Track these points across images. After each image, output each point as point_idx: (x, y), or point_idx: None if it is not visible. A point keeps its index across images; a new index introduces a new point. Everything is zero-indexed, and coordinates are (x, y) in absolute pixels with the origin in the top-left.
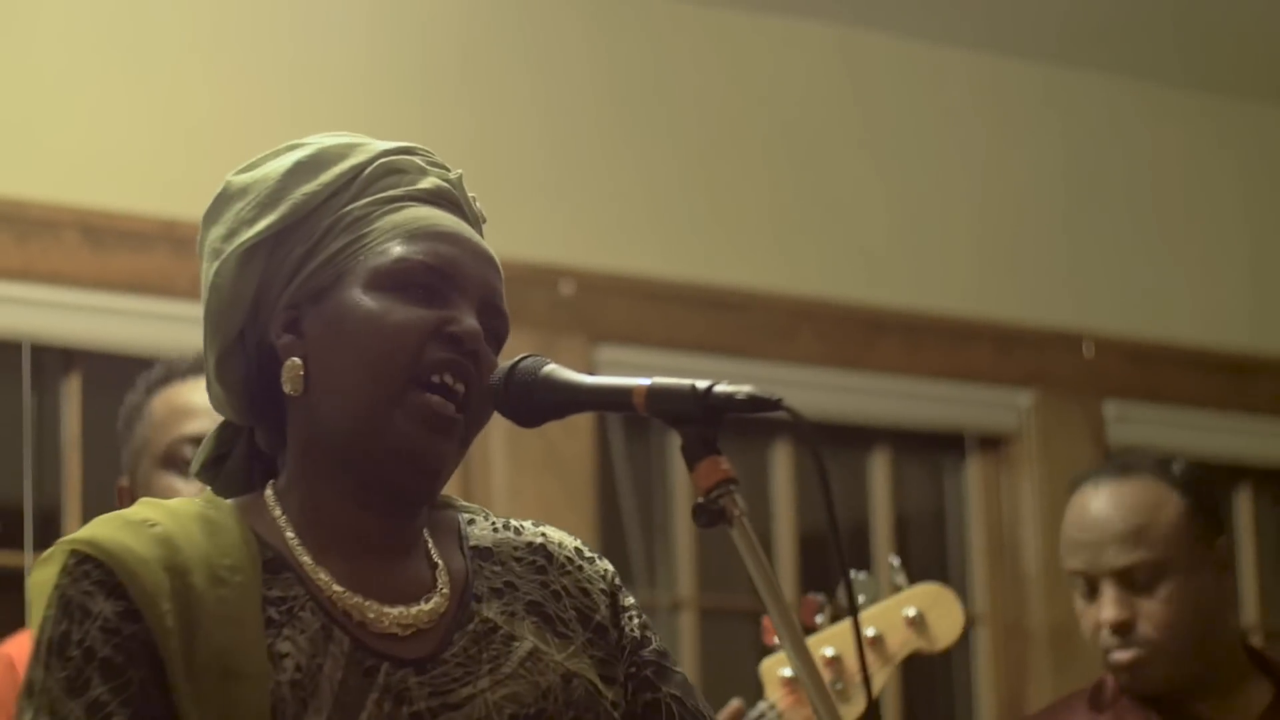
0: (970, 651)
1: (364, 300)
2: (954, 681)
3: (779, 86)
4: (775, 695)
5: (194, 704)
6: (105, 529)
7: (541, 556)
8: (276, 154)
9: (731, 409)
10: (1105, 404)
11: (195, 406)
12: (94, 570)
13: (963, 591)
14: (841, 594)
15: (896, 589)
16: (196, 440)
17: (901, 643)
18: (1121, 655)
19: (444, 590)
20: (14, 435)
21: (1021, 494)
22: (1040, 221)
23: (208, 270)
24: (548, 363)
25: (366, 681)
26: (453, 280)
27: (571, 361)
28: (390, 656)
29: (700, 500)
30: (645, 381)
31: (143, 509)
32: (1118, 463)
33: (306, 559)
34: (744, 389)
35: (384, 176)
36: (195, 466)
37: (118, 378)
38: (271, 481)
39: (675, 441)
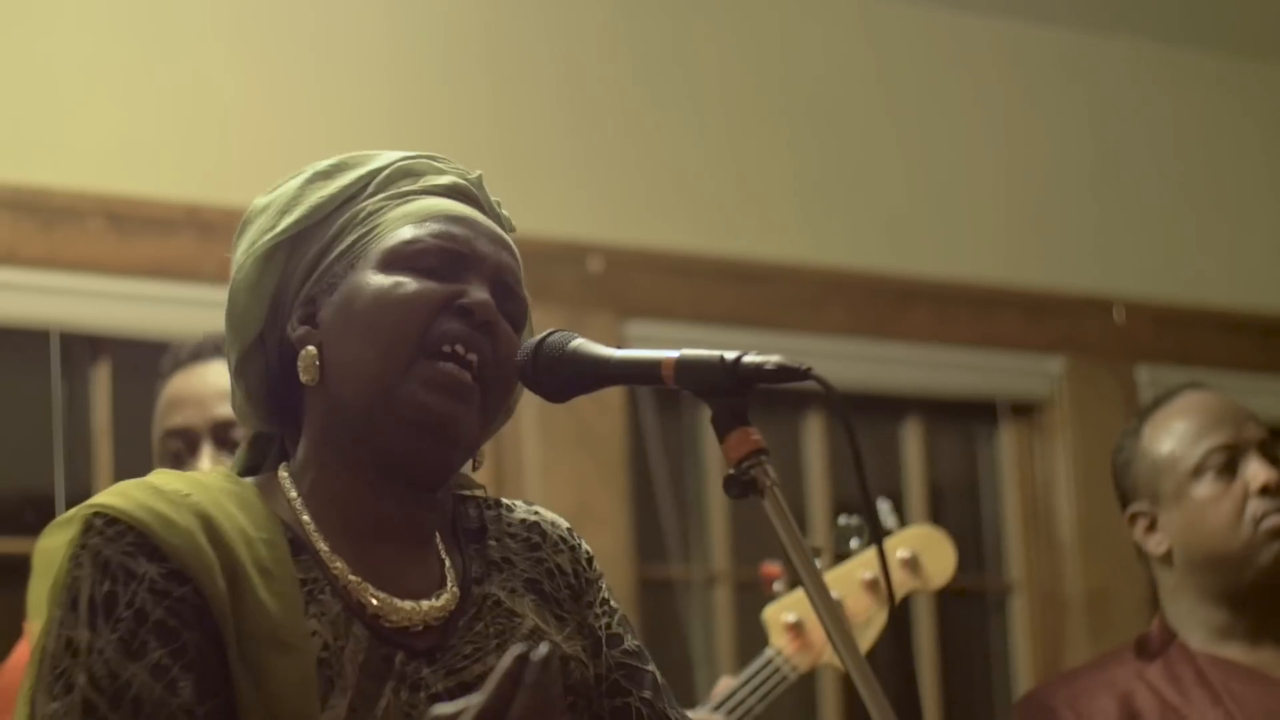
0: (1006, 619)
1: (373, 279)
2: (990, 649)
3: (802, 58)
4: (780, 641)
5: (245, 673)
6: (135, 495)
7: (536, 534)
8: (297, 173)
9: (760, 379)
10: (1137, 368)
11: (184, 398)
12: (128, 532)
13: (998, 559)
14: (836, 539)
15: (888, 532)
16: (178, 433)
17: (897, 583)
18: (1278, 519)
19: (453, 589)
20: (44, 423)
21: (1055, 460)
22: (1067, 187)
23: (232, 277)
24: (575, 337)
25: (384, 668)
26: (465, 259)
27: (600, 337)
28: (404, 646)
29: (731, 471)
30: (674, 354)
31: (169, 479)
32: (1190, 384)
33: (323, 545)
34: (772, 359)
35: (400, 178)
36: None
37: (146, 364)
38: (284, 463)
39: (707, 415)
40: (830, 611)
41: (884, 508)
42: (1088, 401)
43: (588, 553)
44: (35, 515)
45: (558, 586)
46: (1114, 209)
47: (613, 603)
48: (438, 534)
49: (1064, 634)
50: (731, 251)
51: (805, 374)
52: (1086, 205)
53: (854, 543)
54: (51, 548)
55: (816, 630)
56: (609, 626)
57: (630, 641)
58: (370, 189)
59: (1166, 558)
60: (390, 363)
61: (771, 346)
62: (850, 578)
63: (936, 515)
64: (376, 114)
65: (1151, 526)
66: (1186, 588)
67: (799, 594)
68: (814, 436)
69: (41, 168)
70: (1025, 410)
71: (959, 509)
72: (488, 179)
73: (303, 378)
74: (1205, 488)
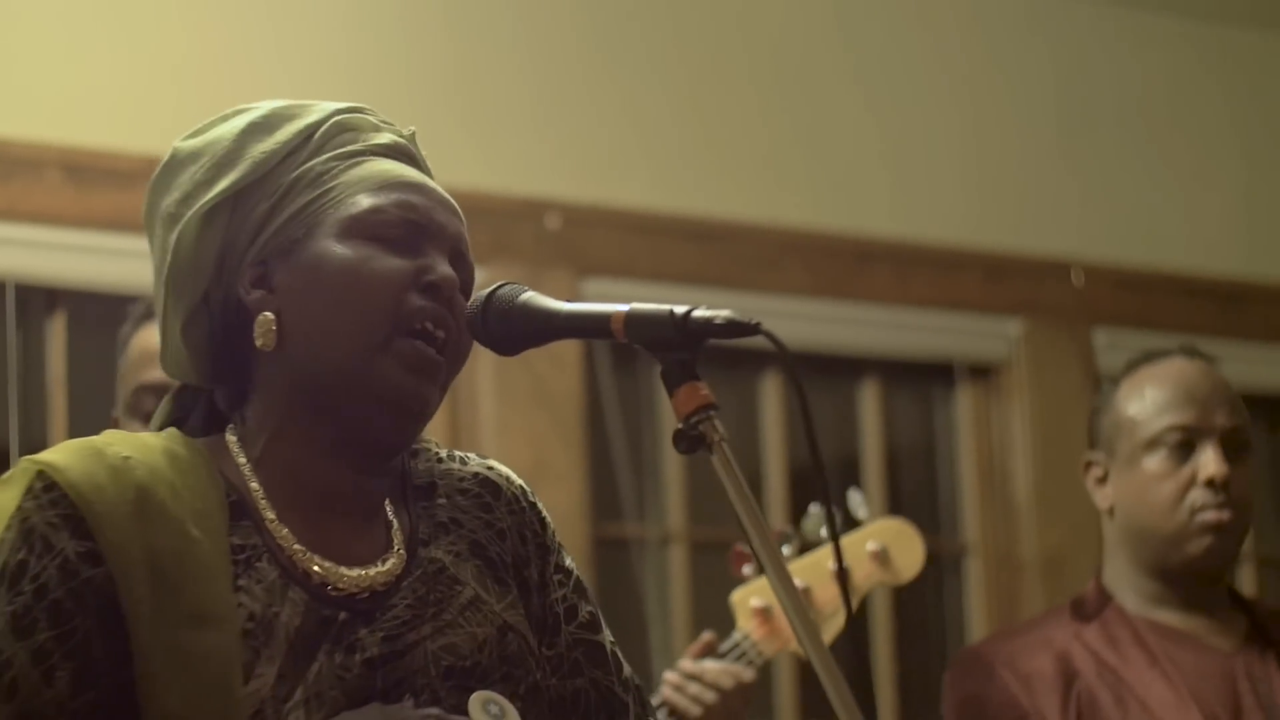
0: (962, 581)
1: (339, 249)
2: (945, 611)
3: (764, 15)
4: (748, 626)
5: (160, 652)
6: (78, 460)
7: (488, 492)
8: (224, 119)
9: (710, 334)
10: (1095, 332)
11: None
12: (61, 499)
13: (953, 521)
14: (806, 527)
15: (859, 523)
16: (155, 389)
17: (865, 576)
18: (1217, 515)
19: (400, 552)
20: None
21: (1012, 423)
22: (1029, 150)
23: (165, 236)
24: (525, 290)
25: (321, 630)
26: (425, 230)
27: (558, 295)
28: (347, 608)
29: (680, 426)
30: (623, 307)
31: (117, 442)
32: (1184, 348)
33: (270, 514)
34: (722, 313)
35: (339, 134)
36: (155, 428)
37: (102, 316)
38: (231, 425)
39: (648, 368)
40: (779, 569)
41: (856, 498)
42: (1045, 364)
43: (543, 517)
44: None
45: (504, 550)
46: (1075, 172)
47: (568, 564)
48: (387, 500)
49: (1019, 596)
50: (691, 210)
51: (755, 329)
52: (1048, 168)
53: (823, 532)
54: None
55: (784, 616)
56: (565, 599)
57: (584, 611)
58: (311, 145)
59: (1110, 513)
60: (362, 338)
61: (730, 305)
62: (818, 567)
63: (893, 476)
64: (334, 65)
65: (1103, 480)
66: (1121, 550)
67: (762, 583)
68: (771, 397)
69: None
70: (983, 372)
71: (915, 470)
72: (445, 133)
73: (259, 343)
74: (1155, 462)
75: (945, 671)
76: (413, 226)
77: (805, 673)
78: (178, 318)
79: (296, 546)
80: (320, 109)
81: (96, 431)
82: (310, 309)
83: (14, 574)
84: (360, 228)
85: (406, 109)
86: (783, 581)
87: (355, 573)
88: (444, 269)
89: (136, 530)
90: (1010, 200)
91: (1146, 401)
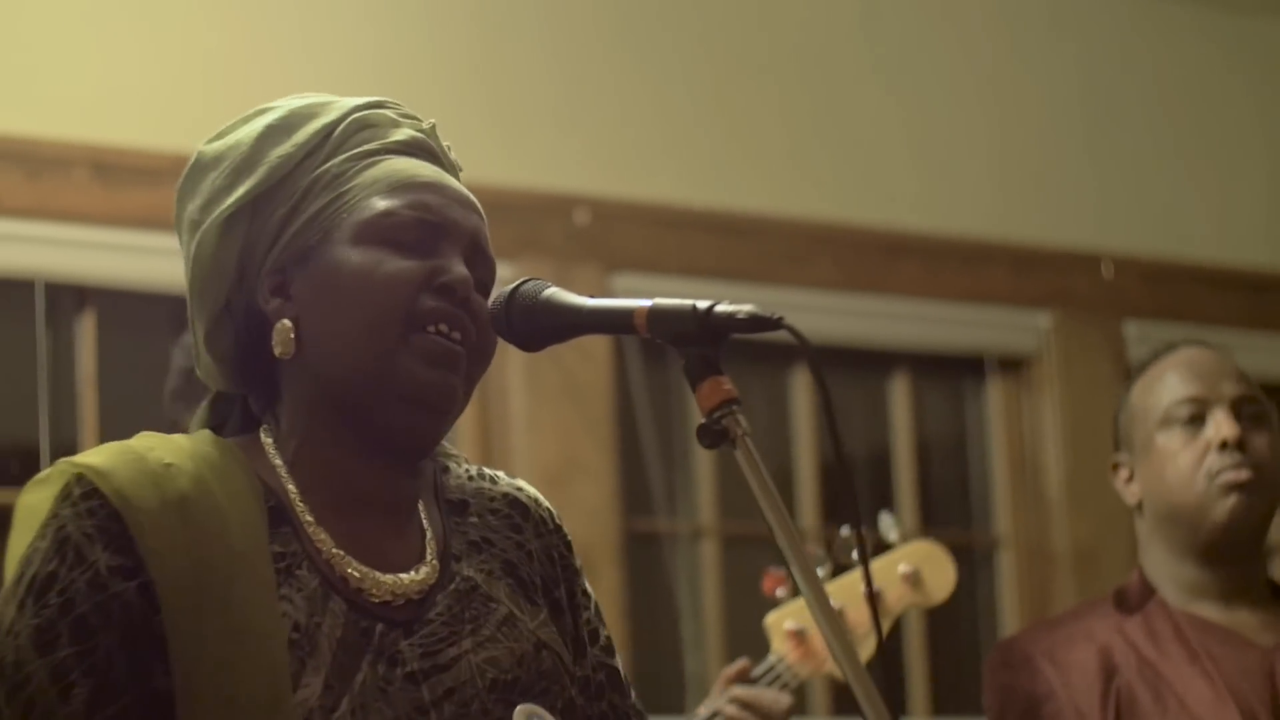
0: (994, 574)
1: (352, 255)
2: (978, 604)
3: (791, 9)
4: (783, 649)
5: (205, 666)
6: (121, 465)
7: (518, 513)
8: (245, 120)
9: (733, 328)
10: (1125, 324)
11: None
12: (100, 509)
13: (985, 514)
14: (838, 549)
15: (890, 546)
16: None
17: (898, 598)
18: (1236, 474)
19: (433, 562)
20: (29, 374)
21: (1043, 415)
22: (1057, 142)
23: (189, 243)
24: (549, 286)
25: (362, 641)
26: (440, 229)
27: (587, 290)
28: (384, 618)
29: (703, 421)
30: (646, 302)
31: (157, 446)
32: (1191, 340)
33: (308, 517)
34: (745, 308)
35: (358, 132)
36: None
37: (132, 315)
38: (265, 427)
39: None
40: (800, 559)
41: (887, 520)
42: (1076, 356)
43: (568, 540)
44: (20, 467)
45: (533, 572)
46: (1104, 164)
47: (589, 588)
48: (420, 503)
49: (1052, 589)
50: (719, 204)
51: (777, 323)
52: (1076, 160)
53: (855, 554)
54: (31, 504)
55: (819, 638)
56: (589, 622)
57: (604, 635)
58: (329, 145)
59: (1140, 508)
60: (378, 340)
61: (759, 300)
62: (853, 589)
63: (924, 470)
64: (361, 62)
65: (1130, 478)
66: (1156, 540)
67: (802, 602)
68: (802, 393)
69: (27, 117)
70: (1013, 365)
71: (946, 464)
72: (473, 129)
73: (277, 351)
74: (1169, 439)
75: (984, 661)
76: (427, 227)
77: (840, 695)
78: (202, 325)
79: (335, 550)
80: (340, 106)
81: (127, 429)
82: (325, 316)
83: (43, 585)
84: (373, 232)
85: (434, 105)
86: (805, 571)
87: (390, 579)
88: (458, 269)
89: (181, 540)
90: (1039, 193)
91: (1155, 388)
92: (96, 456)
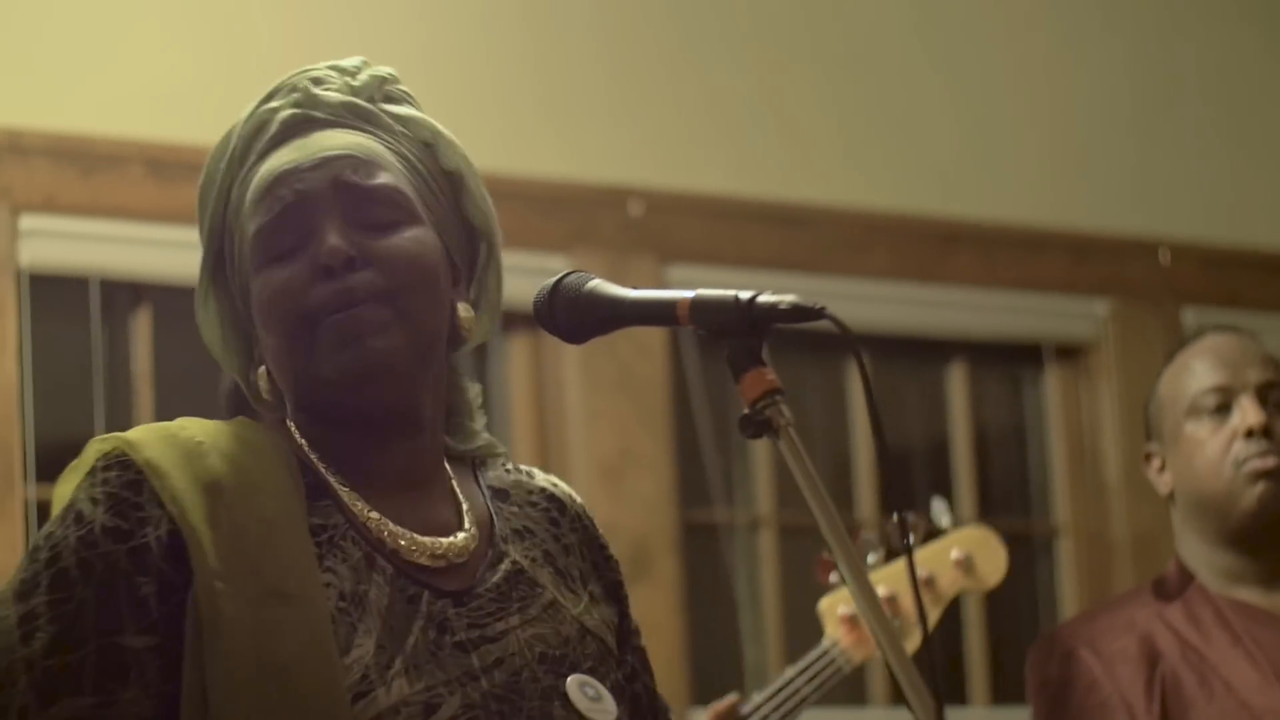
0: (1053, 563)
1: (257, 287)
2: (1038, 594)
3: None
4: (836, 633)
5: (238, 627)
6: (152, 438)
7: (555, 507)
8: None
9: (775, 318)
10: (1183, 310)
11: None
12: (116, 479)
13: (1044, 503)
14: (890, 534)
15: (942, 531)
16: None
17: (950, 583)
18: (1263, 462)
19: (471, 529)
20: (85, 370)
21: (1101, 403)
22: (1112, 128)
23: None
24: (591, 278)
25: (411, 608)
26: (302, 214)
27: (642, 281)
28: (430, 586)
29: (746, 411)
30: (689, 294)
31: (190, 426)
32: (1217, 326)
33: (344, 487)
34: (787, 298)
35: (249, 144)
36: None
37: (187, 310)
38: (289, 415)
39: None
40: (846, 551)
41: (939, 507)
42: (1133, 344)
43: (603, 537)
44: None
45: (571, 564)
46: (1160, 150)
47: (622, 579)
48: (453, 480)
49: (1111, 577)
50: (774, 194)
51: (819, 313)
52: (1132, 147)
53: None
54: (63, 493)
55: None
56: (623, 614)
57: (633, 622)
58: (232, 175)
59: (1172, 497)
60: (297, 352)
61: (815, 290)
62: (903, 575)
63: (982, 459)
64: (414, 58)
65: (1161, 467)
66: (1190, 528)
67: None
68: (859, 382)
69: (81, 115)
70: (1071, 353)
71: (1005, 453)
72: (527, 122)
73: (262, 395)
74: (1197, 428)
75: (1028, 656)
76: (291, 222)
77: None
78: (241, 380)
79: (372, 514)
80: (234, 127)
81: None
82: (267, 351)
83: (38, 545)
84: (259, 255)
85: (488, 98)
86: (850, 563)
87: (429, 540)
88: (326, 245)
89: (209, 511)
90: (1095, 180)
91: (1182, 377)
92: (131, 432)
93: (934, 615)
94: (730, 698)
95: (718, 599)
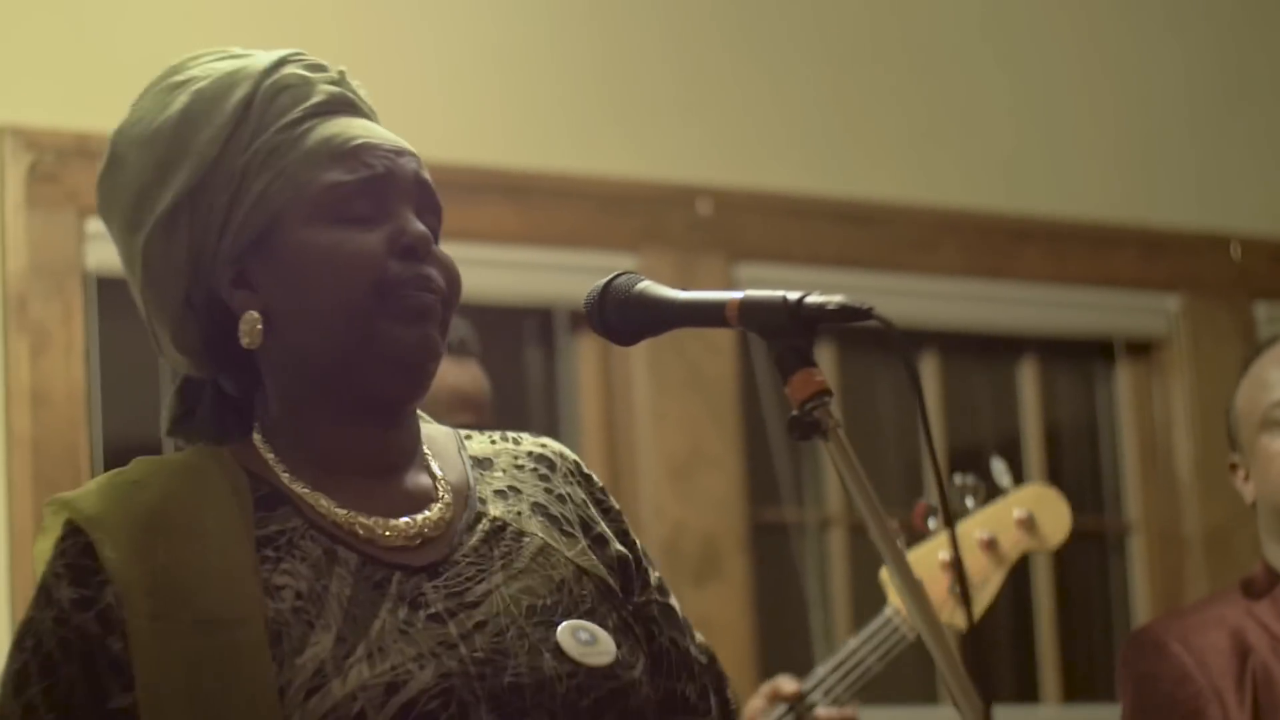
0: (1125, 559)
1: (311, 237)
2: (1110, 590)
3: None
4: (898, 602)
5: (166, 663)
6: (91, 491)
7: (544, 465)
8: (154, 97)
9: (823, 319)
10: (1255, 305)
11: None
12: (70, 548)
13: (1116, 499)
14: (955, 497)
15: (1003, 491)
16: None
17: (1014, 543)
18: None
19: (445, 498)
20: (152, 373)
21: (1173, 399)
22: (1181, 122)
23: (129, 242)
24: (641, 279)
25: (377, 593)
26: (387, 189)
27: (711, 280)
28: (400, 565)
29: (794, 413)
30: (738, 295)
31: (133, 466)
32: None
33: (304, 489)
34: (835, 299)
35: (275, 97)
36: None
37: None
38: (256, 425)
39: (819, 357)
40: (894, 554)
41: (999, 466)
42: (1205, 339)
43: (601, 485)
44: None
45: (566, 511)
46: (1230, 144)
47: (632, 531)
48: (430, 453)
49: (1183, 574)
50: (842, 192)
51: (868, 314)
52: (1202, 141)
53: (969, 502)
54: (38, 553)
55: (934, 590)
56: (639, 561)
57: (655, 575)
58: (253, 119)
59: (1254, 506)
60: (355, 315)
61: (885, 288)
62: (965, 538)
63: (1054, 456)
64: (483, 58)
65: (1246, 476)
66: (1272, 536)
67: (917, 553)
68: (929, 379)
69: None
70: (1142, 349)
71: (1076, 449)
72: (595, 122)
73: (244, 342)
74: (1270, 441)
75: (1118, 653)
76: (375, 191)
77: (961, 643)
78: (165, 326)
79: (338, 511)
80: (249, 74)
81: None
82: (296, 302)
83: (21, 633)
84: (325, 209)
85: (556, 98)
86: (899, 566)
87: (402, 521)
88: (414, 227)
89: (142, 549)
90: (1165, 174)
91: (1255, 389)
92: (75, 490)
93: (999, 576)
94: (786, 681)
95: (787, 598)
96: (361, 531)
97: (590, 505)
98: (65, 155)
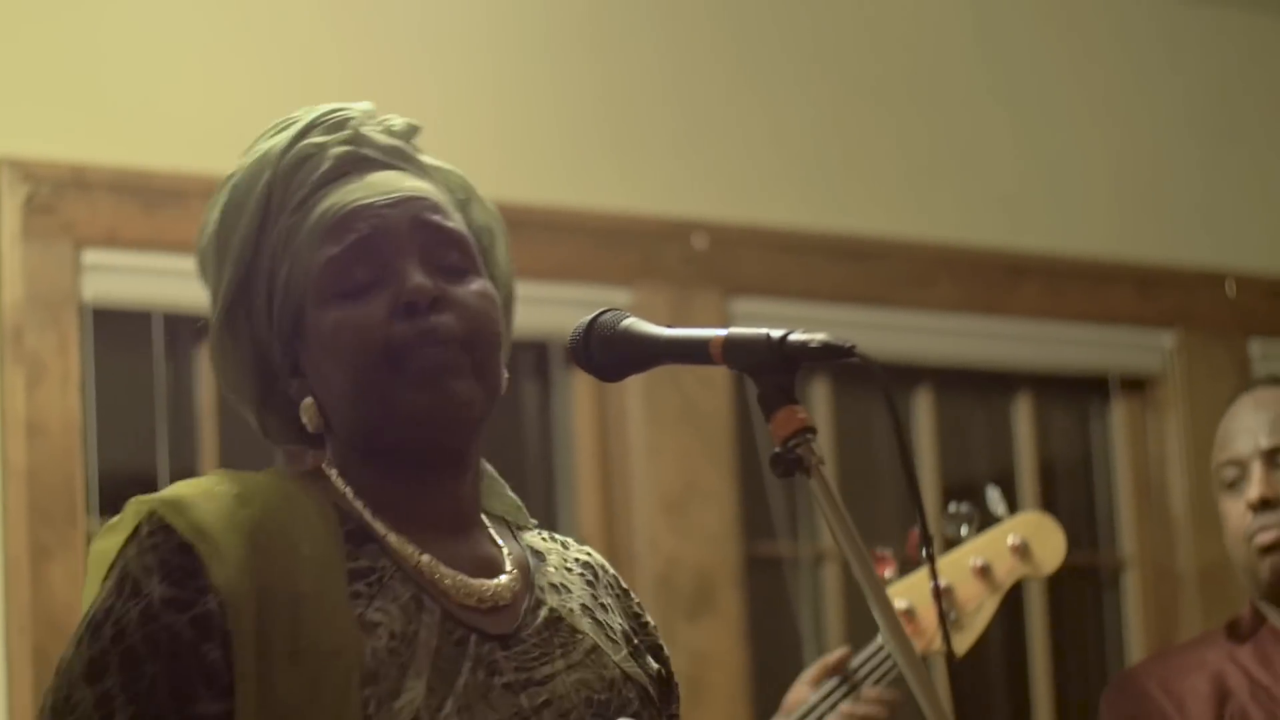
0: (1119, 596)
1: (324, 318)
2: (1104, 625)
3: (908, 32)
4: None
5: (271, 686)
6: (190, 496)
7: (589, 572)
8: (217, 190)
9: (806, 357)
10: (1250, 342)
11: None
12: (164, 544)
13: (1110, 535)
14: (945, 527)
15: (998, 519)
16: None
17: (1008, 570)
18: (1267, 535)
19: (512, 571)
20: (148, 405)
21: (1168, 435)
22: (1178, 160)
23: (212, 342)
24: (626, 316)
25: (459, 650)
26: (379, 249)
27: (707, 315)
28: (476, 629)
29: (777, 449)
30: (722, 332)
31: (224, 478)
32: (1270, 376)
33: (389, 530)
34: (818, 337)
35: (292, 177)
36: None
37: None
38: (327, 461)
39: (815, 393)
40: (876, 591)
41: (993, 494)
42: (1200, 376)
43: (638, 601)
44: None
45: (611, 620)
46: (1226, 182)
47: (666, 650)
48: (488, 524)
49: (1178, 610)
50: (839, 228)
51: (849, 352)
52: (1199, 178)
53: (964, 530)
54: (103, 549)
55: (927, 617)
56: (670, 677)
57: (676, 703)
58: (274, 204)
59: None
60: (371, 389)
61: (880, 323)
62: (960, 565)
63: (1048, 491)
64: (480, 91)
65: None
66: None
67: (910, 581)
68: (924, 414)
69: (144, 149)
70: (1137, 385)
71: (1071, 485)
72: (591, 156)
73: (309, 428)
74: (1223, 502)
75: (1103, 695)
76: (367, 257)
77: (952, 673)
78: (253, 412)
79: (423, 558)
80: (270, 160)
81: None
82: (327, 386)
83: (99, 621)
84: (328, 287)
85: (552, 132)
86: (881, 603)
87: (478, 582)
88: (411, 282)
89: (249, 567)
90: (1161, 211)
91: (1216, 448)
92: (168, 491)
93: (992, 603)
94: (842, 650)
95: (781, 633)
96: (440, 585)
97: (629, 620)
98: (62, 187)
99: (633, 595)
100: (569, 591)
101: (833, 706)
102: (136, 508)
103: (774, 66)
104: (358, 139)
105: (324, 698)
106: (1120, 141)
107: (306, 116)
